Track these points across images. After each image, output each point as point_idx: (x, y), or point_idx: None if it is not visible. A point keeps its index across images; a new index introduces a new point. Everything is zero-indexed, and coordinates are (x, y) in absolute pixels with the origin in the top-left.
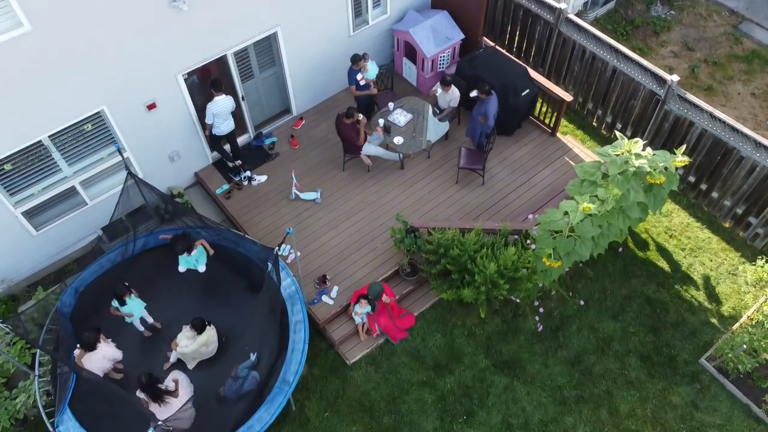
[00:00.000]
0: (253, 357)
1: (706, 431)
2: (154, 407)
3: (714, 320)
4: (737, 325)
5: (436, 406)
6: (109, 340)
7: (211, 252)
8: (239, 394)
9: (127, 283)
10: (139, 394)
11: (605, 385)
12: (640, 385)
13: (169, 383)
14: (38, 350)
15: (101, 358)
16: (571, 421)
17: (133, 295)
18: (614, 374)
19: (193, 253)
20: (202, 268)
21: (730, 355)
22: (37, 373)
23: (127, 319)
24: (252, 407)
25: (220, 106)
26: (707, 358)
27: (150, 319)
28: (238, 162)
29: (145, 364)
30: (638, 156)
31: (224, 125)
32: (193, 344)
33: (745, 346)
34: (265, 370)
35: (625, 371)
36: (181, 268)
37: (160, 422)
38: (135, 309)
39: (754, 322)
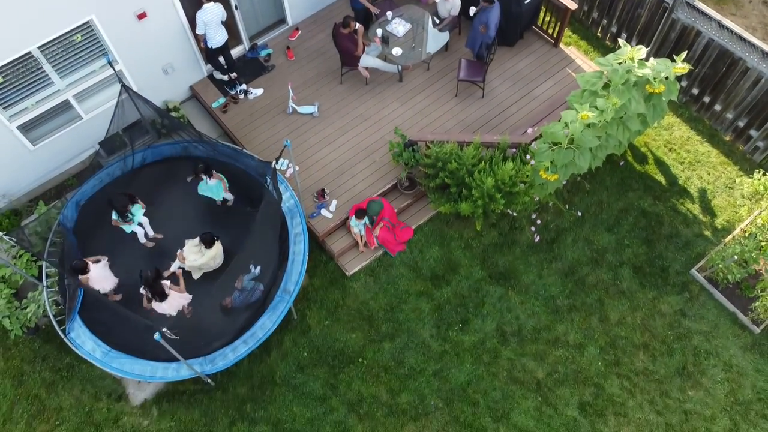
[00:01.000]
0: (255, 270)
1: (692, 337)
2: (155, 304)
3: (708, 233)
4: (730, 237)
5: (433, 315)
6: (105, 261)
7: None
8: (246, 305)
9: (131, 195)
10: (142, 291)
11: (597, 294)
12: (632, 295)
13: (174, 269)
14: (45, 262)
15: (101, 278)
16: (563, 328)
17: (137, 204)
18: (606, 284)
19: (212, 180)
20: (226, 196)
21: (720, 266)
22: (45, 284)
23: (127, 228)
24: (255, 315)
25: (210, 14)
26: (698, 269)
27: (151, 232)
28: (234, 75)
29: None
30: (641, 64)
31: (218, 35)
32: (202, 258)
33: (736, 257)
34: (267, 281)
35: (617, 282)
36: (200, 191)
37: (165, 329)
38: (136, 214)
39: (746, 234)
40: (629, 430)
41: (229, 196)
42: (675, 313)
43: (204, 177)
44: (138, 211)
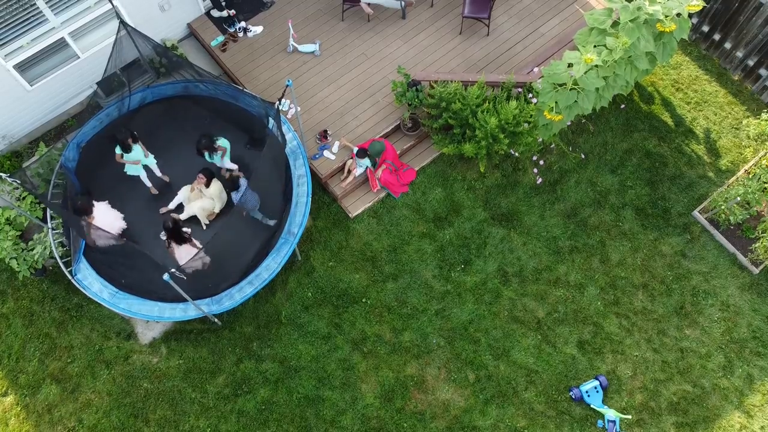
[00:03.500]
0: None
1: (691, 278)
2: (175, 249)
3: (711, 174)
4: (734, 178)
5: (435, 256)
6: (106, 202)
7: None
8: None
9: (134, 132)
10: (162, 236)
11: (599, 236)
12: (633, 236)
13: (172, 206)
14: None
15: (110, 218)
16: (564, 269)
17: (138, 144)
18: (608, 226)
19: (214, 156)
20: (228, 165)
21: (723, 207)
22: (50, 225)
23: (131, 171)
24: (260, 257)
25: None
26: (700, 210)
27: (158, 172)
28: (232, 11)
29: (154, 222)
30: (652, 1)
31: None
32: (203, 198)
33: (739, 198)
34: (270, 222)
35: (619, 223)
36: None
37: (173, 270)
38: (140, 156)
39: (750, 176)
40: (626, 366)
41: (232, 166)
42: (675, 254)
43: (205, 153)
44: (139, 151)
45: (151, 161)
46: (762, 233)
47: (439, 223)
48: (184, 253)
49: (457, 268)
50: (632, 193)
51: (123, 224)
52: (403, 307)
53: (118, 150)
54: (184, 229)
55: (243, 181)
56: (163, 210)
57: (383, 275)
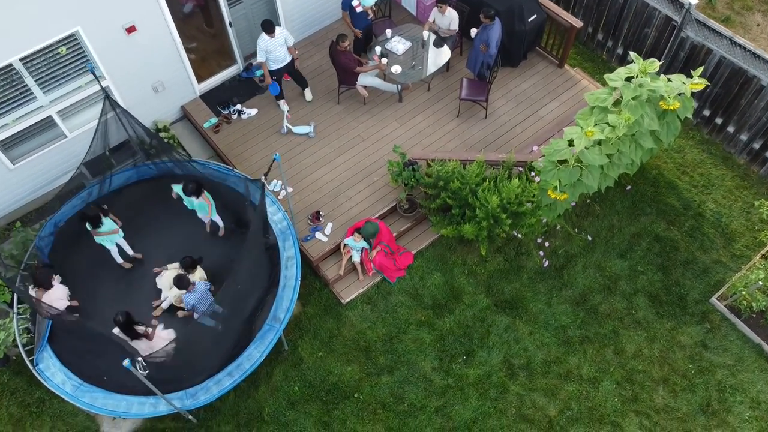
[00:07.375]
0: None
1: (715, 371)
2: (135, 343)
3: (726, 259)
4: (752, 263)
5: (435, 346)
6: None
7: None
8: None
9: (103, 206)
10: (118, 333)
11: (611, 324)
12: (648, 325)
13: (149, 325)
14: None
15: (59, 296)
16: (575, 361)
17: (108, 216)
18: (621, 314)
19: (199, 200)
20: (215, 219)
21: (744, 293)
22: (15, 310)
23: (104, 243)
24: (242, 345)
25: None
26: (719, 297)
27: (130, 251)
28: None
29: (128, 300)
30: (654, 78)
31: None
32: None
33: (761, 283)
34: (254, 307)
35: (632, 311)
36: (185, 202)
37: (139, 358)
38: (112, 227)
39: None
40: None
41: (219, 222)
42: (695, 344)
43: (192, 197)
44: (110, 223)
45: (120, 238)
46: None
47: (438, 311)
48: (144, 346)
49: (458, 360)
50: (644, 279)
51: (66, 303)
52: (399, 403)
53: (89, 227)
54: (137, 327)
55: (201, 284)
56: (155, 304)
57: (378, 367)
